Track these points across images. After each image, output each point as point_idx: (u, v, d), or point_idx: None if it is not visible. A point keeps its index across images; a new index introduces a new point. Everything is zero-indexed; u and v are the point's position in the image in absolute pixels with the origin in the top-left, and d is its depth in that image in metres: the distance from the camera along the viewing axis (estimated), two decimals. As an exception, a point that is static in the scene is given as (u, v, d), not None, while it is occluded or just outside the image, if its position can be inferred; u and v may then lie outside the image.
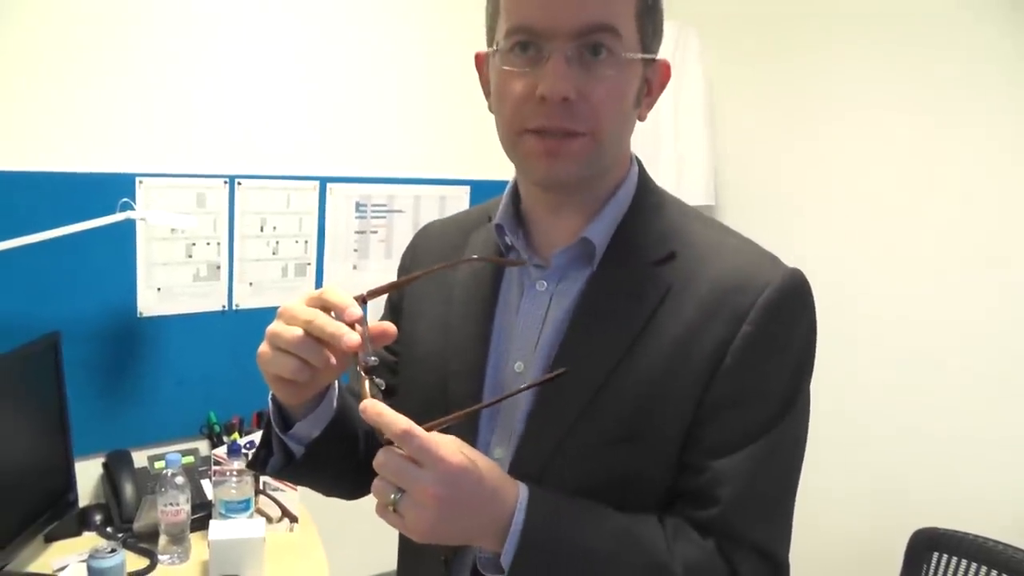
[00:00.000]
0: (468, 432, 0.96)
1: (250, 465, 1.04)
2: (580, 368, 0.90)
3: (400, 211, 2.47)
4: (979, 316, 2.03)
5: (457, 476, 0.77)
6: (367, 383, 0.80)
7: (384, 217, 2.45)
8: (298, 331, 0.82)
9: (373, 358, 0.82)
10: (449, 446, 0.78)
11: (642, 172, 1.01)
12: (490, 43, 0.95)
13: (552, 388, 0.89)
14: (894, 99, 2.20)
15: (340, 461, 1.01)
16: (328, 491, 1.12)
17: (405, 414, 0.81)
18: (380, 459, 0.77)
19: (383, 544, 2.64)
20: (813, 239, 2.32)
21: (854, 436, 2.22)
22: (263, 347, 0.85)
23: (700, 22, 2.53)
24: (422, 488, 0.76)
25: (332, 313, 0.83)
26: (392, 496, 0.76)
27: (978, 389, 2.03)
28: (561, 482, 0.87)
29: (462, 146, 2.51)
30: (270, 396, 0.94)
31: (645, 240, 0.95)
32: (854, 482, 2.23)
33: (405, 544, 1.11)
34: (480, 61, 0.99)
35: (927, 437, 2.13)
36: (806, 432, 0.95)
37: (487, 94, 0.98)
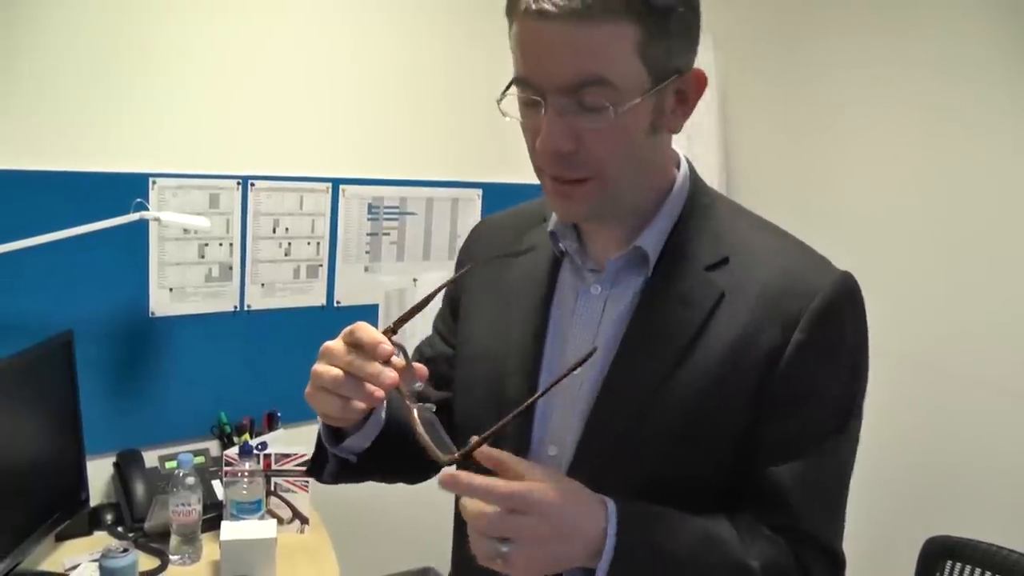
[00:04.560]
0: (520, 430, 0.99)
1: (307, 472, 1.08)
2: (637, 373, 0.93)
3: (412, 213, 2.47)
4: (996, 318, 2.02)
5: (557, 510, 0.81)
6: (415, 411, 0.84)
7: (396, 219, 2.45)
8: (338, 372, 0.85)
9: (418, 384, 0.86)
10: (539, 485, 0.82)
11: (693, 175, 1.01)
12: None
13: (611, 391, 0.93)
14: (905, 102, 2.20)
15: (395, 459, 1.04)
16: (390, 482, 1.15)
17: (460, 411, 0.92)
18: (480, 523, 0.80)
19: (393, 546, 2.65)
20: (824, 242, 2.30)
21: (866, 441, 2.21)
22: (308, 387, 0.89)
23: (714, 28, 2.52)
24: (531, 533, 0.80)
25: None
26: (503, 550, 0.80)
27: (993, 394, 2.02)
28: (617, 482, 0.89)
29: (474, 149, 2.51)
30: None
31: (698, 245, 0.96)
32: (867, 488, 2.21)
33: (460, 535, 1.12)
34: None
35: (941, 443, 2.12)
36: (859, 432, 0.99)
37: None
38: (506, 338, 1.03)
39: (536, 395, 0.85)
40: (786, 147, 2.55)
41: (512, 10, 0.86)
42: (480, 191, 2.56)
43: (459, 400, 1.09)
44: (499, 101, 0.91)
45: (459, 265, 1.20)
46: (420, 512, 2.38)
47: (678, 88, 0.90)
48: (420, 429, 0.83)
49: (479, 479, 0.80)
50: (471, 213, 2.56)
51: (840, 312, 0.93)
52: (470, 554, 0.85)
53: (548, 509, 0.80)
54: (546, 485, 0.82)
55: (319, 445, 1.04)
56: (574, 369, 0.81)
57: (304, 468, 2.08)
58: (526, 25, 0.84)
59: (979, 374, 2.04)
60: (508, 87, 0.89)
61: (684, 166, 1.01)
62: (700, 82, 0.92)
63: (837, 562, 0.97)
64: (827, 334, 0.91)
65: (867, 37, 2.28)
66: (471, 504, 0.80)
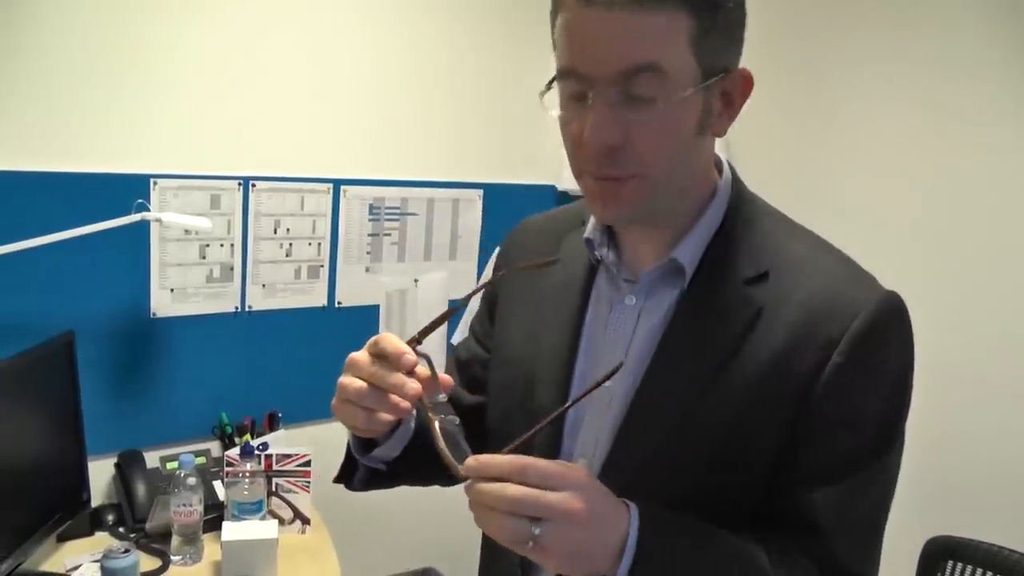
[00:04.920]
0: (549, 441, 0.97)
1: (337, 480, 1.06)
2: (669, 388, 0.90)
3: (413, 214, 2.47)
4: (998, 317, 2.02)
5: (589, 486, 0.79)
6: (436, 423, 0.82)
7: (397, 220, 2.46)
8: (362, 384, 0.85)
9: (441, 395, 0.85)
10: (564, 464, 0.80)
11: (736, 182, 0.99)
12: None
13: (642, 406, 0.90)
14: (908, 99, 2.20)
15: (426, 465, 1.01)
16: (422, 485, 1.14)
17: (492, 416, 0.88)
18: (505, 503, 0.76)
19: (394, 546, 2.65)
20: (827, 239, 2.31)
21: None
22: (335, 399, 0.88)
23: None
24: (565, 508, 0.76)
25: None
26: (535, 531, 0.75)
27: (995, 393, 2.02)
28: (645, 497, 0.86)
29: (475, 149, 2.51)
30: None
31: (737, 257, 0.93)
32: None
33: (487, 540, 1.11)
34: None
35: (942, 443, 2.11)
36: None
37: None
38: (538, 344, 1.01)
39: (562, 408, 0.84)
40: (788, 144, 2.54)
41: (559, 2, 0.84)
42: (481, 192, 2.56)
43: (491, 405, 1.08)
44: (542, 95, 0.88)
45: (497, 267, 1.19)
46: (421, 513, 2.39)
47: (724, 89, 0.88)
48: (440, 443, 0.81)
49: (492, 459, 0.77)
50: (472, 214, 2.56)
51: (883, 333, 0.89)
52: (498, 556, 0.83)
53: (582, 482, 0.78)
54: (571, 464, 0.81)
55: (348, 453, 1.03)
56: (601, 383, 0.80)
57: (306, 469, 2.09)
58: (576, 14, 0.81)
59: (980, 374, 2.04)
60: (552, 81, 0.86)
61: (727, 171, 0.98)
62: (747, 83, 0.90)
63: None
64: (867, 357, 0.87)
65: (869, 33, 2.28)
66: (497, 489, 0.76)
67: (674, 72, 0.81)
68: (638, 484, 0.85)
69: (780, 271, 0.91)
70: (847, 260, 0.95)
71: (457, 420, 0.85)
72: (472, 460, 0.78)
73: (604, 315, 0.99)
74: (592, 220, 1.00)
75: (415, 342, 0.87)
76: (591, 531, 0.78)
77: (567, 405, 0.85)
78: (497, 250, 1.22)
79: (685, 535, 0.85)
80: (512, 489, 0.75)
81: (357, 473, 1.03)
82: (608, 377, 0.79)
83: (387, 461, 1.01)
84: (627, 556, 0.80)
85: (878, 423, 0.91)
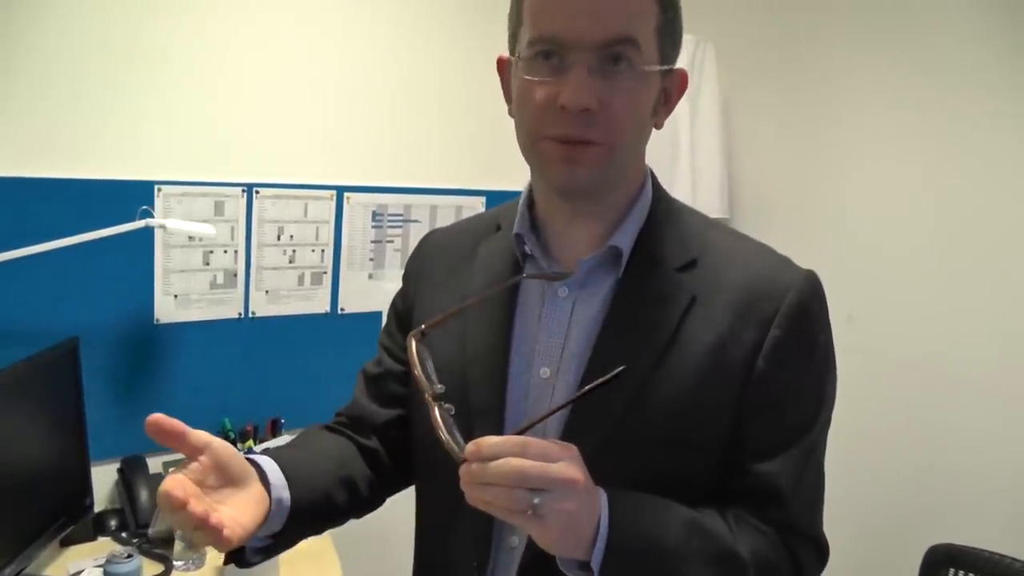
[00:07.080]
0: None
1: (226, 562, 0.99)
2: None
3: (416, 221, 2.48)
4: (1002, 322, 2.02)
5: (581, 459, 0.82)
6: (436, 410, 0.84)
7: (400, 227, 2.46)
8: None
9: (439, 386, 0.85)
10: (556, 440, 0.82)
11: (655, 181, 1.03)
12: (512, 49, 0.96)
13: (588, 395, 0.90)
14: (910, 110, 2.20)
15: (322, 522, 1.04)
16: (323, 531, 1.10)
17: (422, 423, 0.87)
18: (510, 477, 0.76)
19: (397, 552, 2.63)
20: (828, 251, 2.31)
21: (870, 448, 2.21)
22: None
23: (717, 38, 2.54)
24: (566, 476, 0.78)
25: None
26: (535, 501, 0.77)
27: (998, 400, 2.01)
28: (598, 483, 0.87)
29: (478, 157, 2.52)
30: None
31: (667, 247, 0.97)
32: (869, 495, 2.22)
33: (428, 562, 1.11)
34: (503, 66, 1.01)
35: (944, 449, 2.11)
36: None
37: (508, 99, 1.00)
38: (468, 347, 1.01)
39: (568, 401, 0.85)
40: (789, 156, 2.55)
41: None
42: (484, 199, 2.56)
43: (421, 414, 1.02)
44: (517, 58, 0.93)
45: (407, 276, 1.19)
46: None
47: (665, 85, 0.95)
48: (442, 431, 0.82)
49: (490, 440, 0.78)
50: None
51: (810, 309, 0.96)
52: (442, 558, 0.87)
53: (577, 458, 0.81)
54: (569, 444, 0.83)
55: None
56: (600, 384, 0.80)
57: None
58: None
59: (986, 380, 2.04)
60: (529, 46, 0.90)
61: (648, 171, 1.03)
62: (683, 82, 0.97)
63: (821, 548, 0.99)
64: (801, 328, 0.94)
65: (870, 46, 2.29)
66: (500, 463, 0.77)
67: (646, 49, 0.89)
68: (591, 472, 0.85)
69: (707, 258, 0.97)
70: (764, 245, 1.01)
71: (453, 409, 0.84)
72: (472, 444, 0.79)
73: (535, 309, 1.01)
74: (518, 217, 1.02)
75: (420, 335, 0.88)
76: (584, 501, 0.81)
77: (569, 401, 0.85)
78: (407, 263, 1.23)
79: (649, 514, 0.87)
80: (516, 462, 0.77)
81: (244, 553, 0.97)
82: (612, 378, 0.80)
83: (272, 535, 0.96)
84: (600, 540, 0.82)
85: (814, 389, 0.98)
